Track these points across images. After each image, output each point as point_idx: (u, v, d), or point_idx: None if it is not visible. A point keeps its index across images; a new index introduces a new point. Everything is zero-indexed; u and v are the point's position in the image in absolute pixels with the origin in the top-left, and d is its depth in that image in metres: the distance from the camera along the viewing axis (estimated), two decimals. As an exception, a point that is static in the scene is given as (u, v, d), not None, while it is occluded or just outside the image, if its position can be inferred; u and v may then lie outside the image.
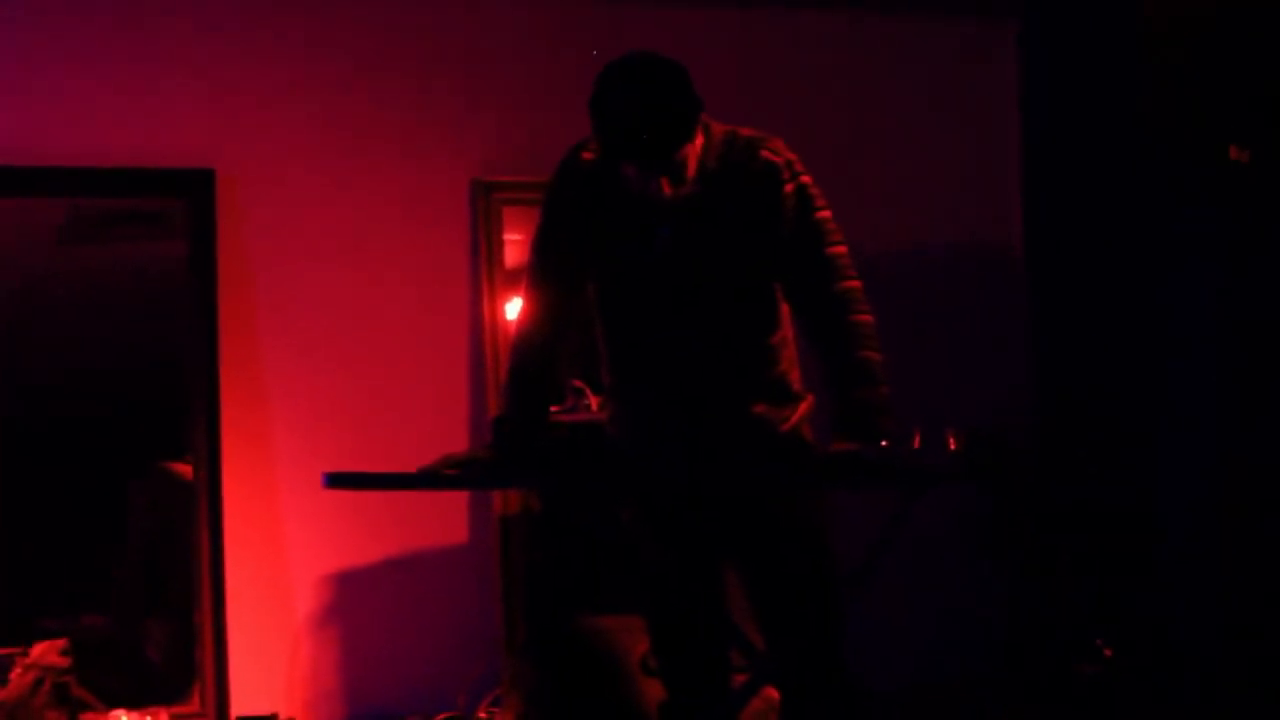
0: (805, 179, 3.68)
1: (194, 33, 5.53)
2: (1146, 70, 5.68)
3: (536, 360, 3.77)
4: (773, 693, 4.04)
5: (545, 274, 3.77)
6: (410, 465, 3.69)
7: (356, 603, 5.52)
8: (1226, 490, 5.35)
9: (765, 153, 3.66)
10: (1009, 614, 5.85)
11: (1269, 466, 5.26)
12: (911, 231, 5.98)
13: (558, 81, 5.48)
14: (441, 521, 5.58)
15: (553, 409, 3.99)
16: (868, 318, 3.65)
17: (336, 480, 3.60)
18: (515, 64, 5.77)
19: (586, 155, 3.70)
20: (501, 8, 5.78)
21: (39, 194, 5.45)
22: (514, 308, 5.51)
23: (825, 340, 3.66)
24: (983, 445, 3.60)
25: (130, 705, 5.15)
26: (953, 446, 3.58)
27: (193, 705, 5.38)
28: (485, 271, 5.64)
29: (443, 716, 5.36)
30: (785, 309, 3.76)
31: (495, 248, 5.66)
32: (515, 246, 5.66)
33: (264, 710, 5.26)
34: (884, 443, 3.56)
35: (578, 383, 5.43)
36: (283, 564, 5.47)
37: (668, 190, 3.57)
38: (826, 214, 3.68)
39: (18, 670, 5.00)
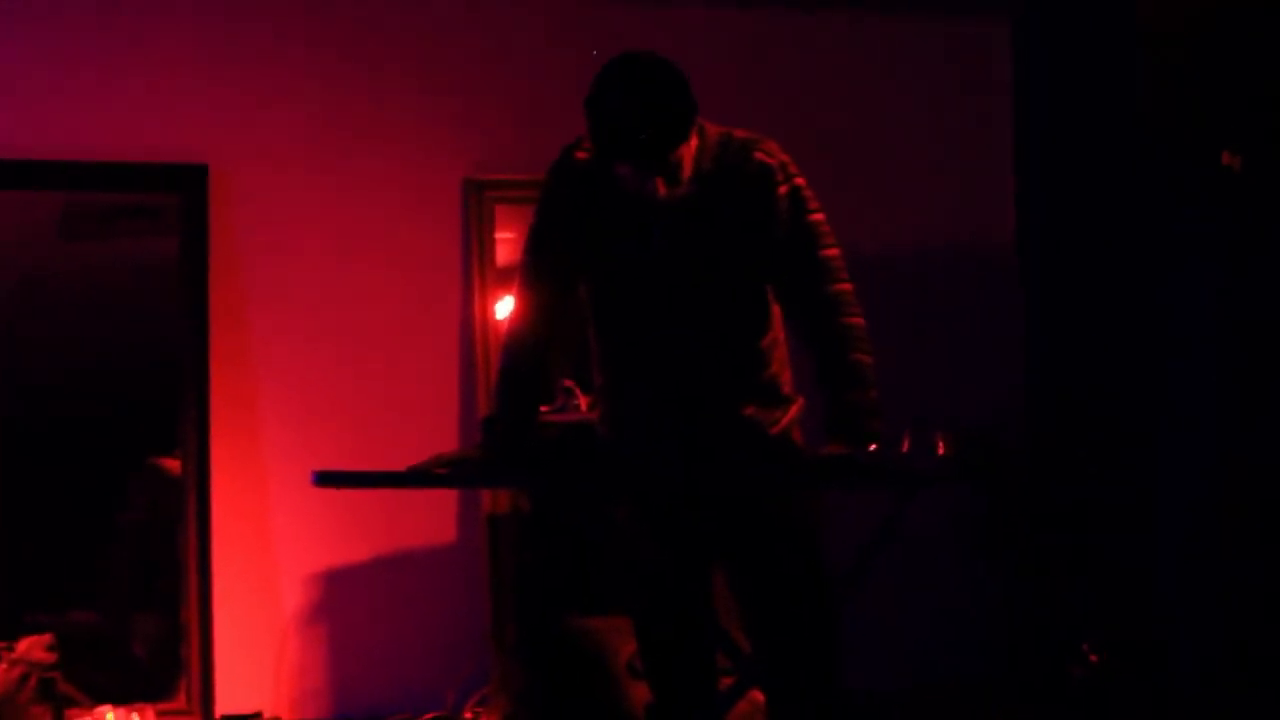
0: (799, 181, 3.71)
1: (189, 29, 5.56)
2: (1145, 69, 5.67)
3: (528, 360, 3.79)
4: (759, 695, 4.07)
5: (538, 273, 3.79)
6: (400, 463, 3.71)
7: (344, 601, 5.54)
8: (1226, 490, 5.36)
9: (759, 154, 3.68)
10: (1003, 615, 5.88)
11: (1269, 466, 5.26)
12: (906, 231, 6.02)
13: (551, 80, 5.57)
14: (430, 521, 5.60)
15: (543, 409, 3.98)
16: (859, 320, 3.68)
17: (326, 479, 3.62)
18: (508, 63, 5.79)
19: (580, 155, 3.72)
20: (495, 7, 5.82)
21: (32, 188, 5.48)
22: (505, 306, 5.53)
23: (817, 342, 3.69)
24: (973, 446, 3.63)
25: (117, 701, 5.17)
26: (941, 449, 3.62)
27: (179, 702, 5.41)
28: (477, 269, 5.66)
29: (430, 716, 5.38)
30: (777, 311, 3.78)
31: (487, 246, 5.68)
32: (507, 245, 5.67)
33: (250, 708, 5.29)
34: (873, 445, 3.59)
35: (568, 382, 5.45)
36: (271, 561, 5.49)
37: (663, 191, 3.60)
38: (820, 216, 3.71)
39: (3, 665, 5.00)
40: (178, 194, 5.51)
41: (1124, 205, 5.83)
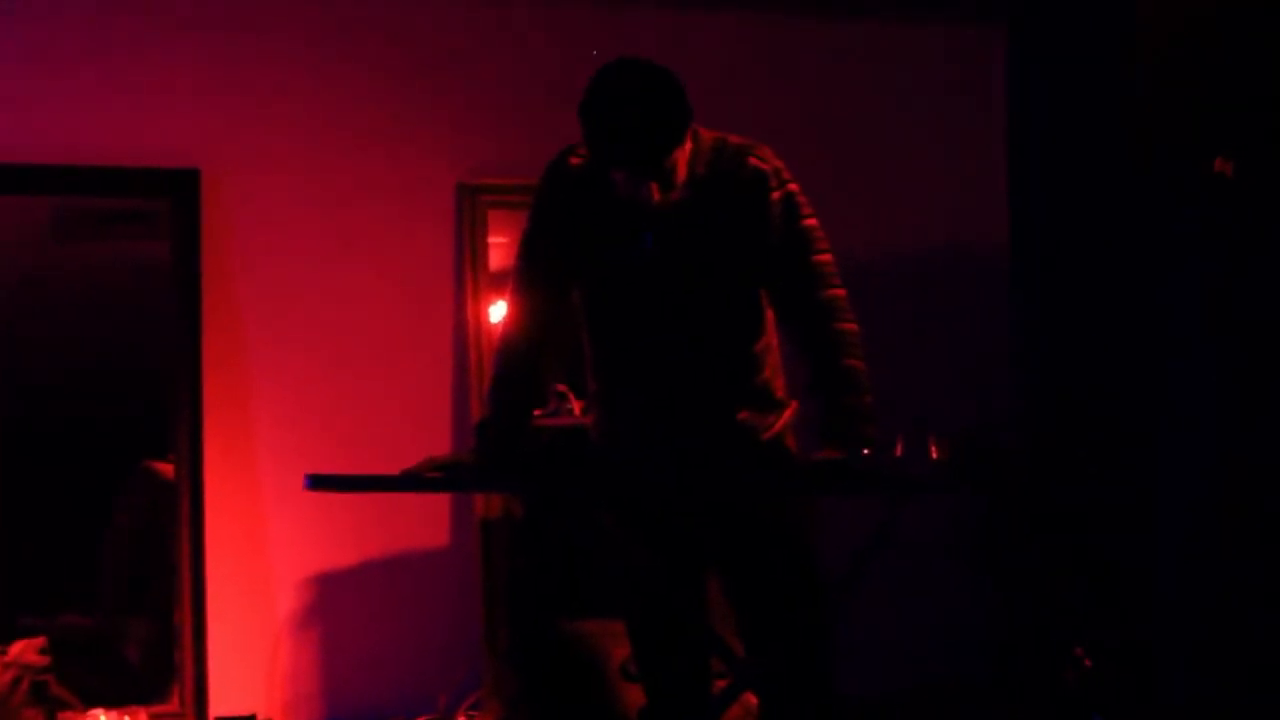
0: (792, 186, 3.74)
1: (181, 32, 5.58)
2: (1144, 70, 5.68)
3: (521, 364, 3.81)
4: (752, 699, 4.10)
5: (531, 278, 3.82)
6: (393, 467, 3.74)
7: (337, 604, 5.56)
8: (1226, 490, 5.32)
9: (753, 160, 3.72)
10: (999, 619, 5.89)
11: (1269, 466, 5.22)
12: (900, 235, 6.06)
13: (544, 85, 5.61)
14: (423, 524, 5.63)
15: (536, 413, 4.01)
16: (852, 326, 3.72)
17: (319, 482, 3.65)
18: (502, 67, 5.81)
19: (574, 160, 3.76)
20: (489, 11, 5.84)
21: (23, 192, 5.50)
22: (498, 311, 5.54)
23: (810, 348, 3.72)
24: (968, 451, 3.65)
25: (109, 704, 5.18)
26: (935, 454, 3.64)
27: (172, 705, 5.41)
28: (470, 274, 5.69)
29: (422, 719, 5.40)
30: (770, 315, 3.81)
31: (480, 250, 5.71)
32: (500, 249, 5.69)
33: (243, 711, 5.31)
34: (867, 450, 3.62)
35: (561, 387, 5.46)
36: (264, 564, 5.51)
37: (657, 196, 3.63)
38: (813, 222, 3.75)
39: None
40: (170, 198, 5.52)
41: (1124, 205, 5.80)
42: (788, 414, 3.82)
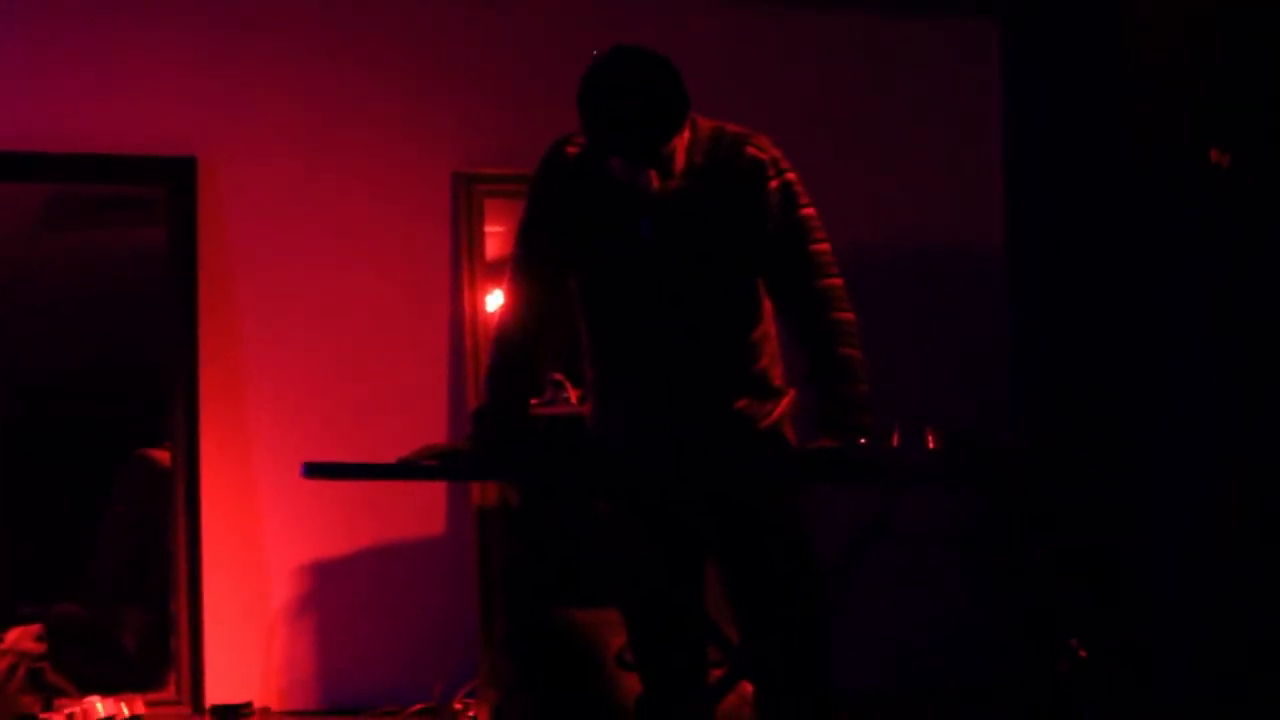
0: (790, 175, 3.72)
1: (178, 21, 5.60)
2: (1143, 68, 5.68)
3: (517, 353, 3.80)
4: (748, 687, 4.09)
5: (528, 267, 3.81)
6: (389, 456, 3.73)
7: (333, 593, 5.57)
8: (1226, 490, 5.34)
9: (751, 149, 3.70)
10: (998, 615, 5.88)
11: (1269, 466, 5.25)
12: (899, 230, 6.04)
13: (541, 74, 5.61)
14: (419, 513, 5.65)
15: (533, 402, 4.00)
16: (849, 315, 3.70)
17: (315, 470, 3.64)
18: (498, 56, 5.82)
19: (570, 149, 3.74)
20: (486, 1, 5.86)
21: (19, 179, 5.52)
22: (495, 300, 5.55)
23: (807, 337, 3.71)
24: (964, 445, 3.64)
25: (105, 692, 5.18)
26: (931, 444, 3.61)
27: (168, 692, 5.44)
28: (466, 263, 5.70)
29: (418, 707, 5.41)
30: (767, 305, 3.80)
31: (476, 240, 5.71)
32: (496, 239, 5.69)
33: (239, 698, 5.33)
34: (863, 440, 3.61)
35: (557, 376, 5.45)
36: (260, 553, 5.53)
37: (656, 184, 3.62)
38: (810, 211, 3.73)
39: None
40: (166, 186, 5.53)
41: (1123, 205, 5.80)
42: (785, 402, 3.81)
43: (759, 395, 3.77)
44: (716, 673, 3.89)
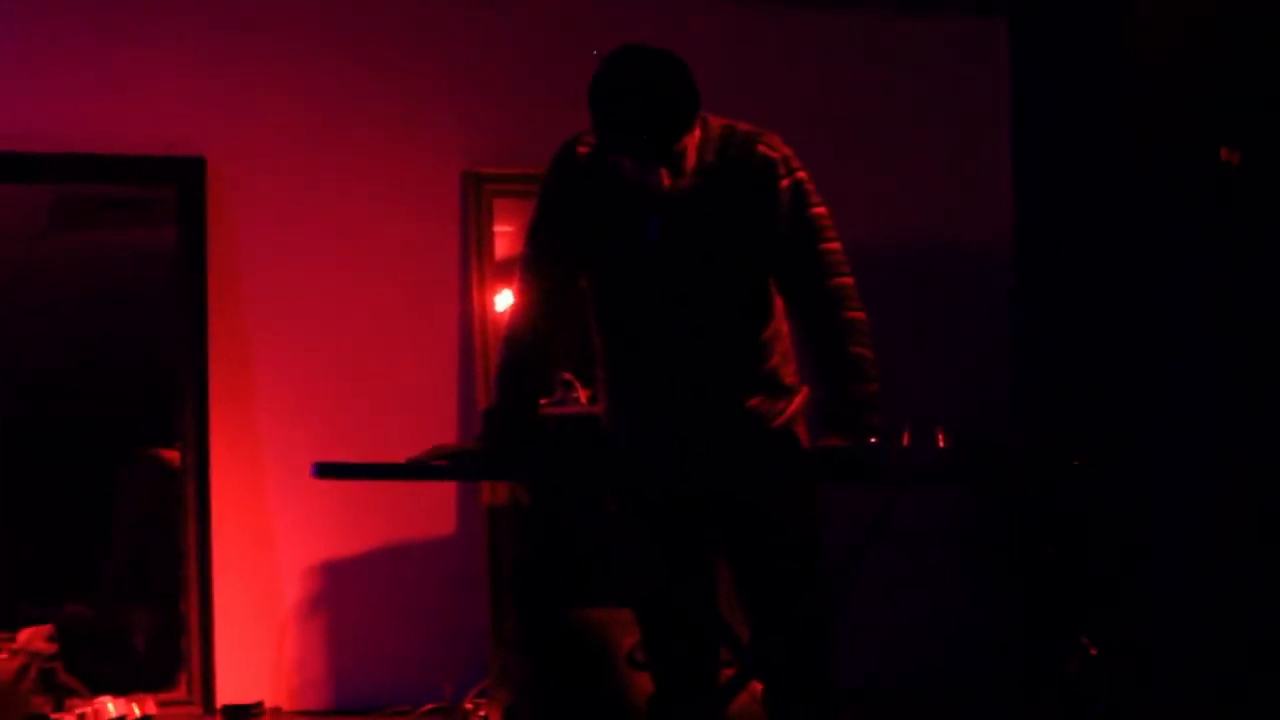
0: (801, 174, 3.68)
1: (187, 21, 5.57)
2: (1144, 68, 5.66)
3: (528, 353, 3.77)
4: (760, 686, 4.06)
5: (538, 267, 3.77)
6: (399, 456, 3.69)
7: (343, 592, 5.56)
8: (1226, 490, 5.34)
9: (762, 147, 3.66)
10: (998, 614, 5.86)
11: (1269, 466, 5.24)
12: (904, 229, 5.99)
13: (550, 73, 5.57)
14: (429, 513, 5.63)
15: (543, 401, 3.96)
16: (860, 314, 3.66)
17: (325, 470, 3.61)
18: (507, 55, 5.80)
19: (581, 149, 3.70)
20: (492, 1, 5.84)
21: (27, 180, 5.51)
22: (504, 299, 5.54)
23: (817, 336, 3.67)
24: (972, 444, 3.60)
25: (116, 692, 5.17)
26: (941, 444, 3.57)
27: (179, 692, 5.43)
28: (475, 263, 5.68)
29: (429, 707, 5.38)
30: (779, 303, 3.76)
31: (485, 239, 5.70)
32: (506, 238, 5.68)
33: (250, 699, 5.30)
34: (872, 439, 3.56)
35: (567, 375, 5.41)
36: (270, 553, 5.51)
37: (666, 182, 3.57)
38: (821, 210, 3.69)
39: (4, 656, 5.02)
40: (175, 186, 5.53)
41: (1124, 205, 5.79)
42: (798, 400, 3.77)
43: (771, 393, 3.73)
44: (728, 672, 3.85)
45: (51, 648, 5.10)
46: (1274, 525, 5.25)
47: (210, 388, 5.48)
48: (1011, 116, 6.17)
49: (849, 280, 3.68)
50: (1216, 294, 5.43)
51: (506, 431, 3.74)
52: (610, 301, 3.77)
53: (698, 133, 3.61)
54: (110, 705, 5.08)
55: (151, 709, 5.20)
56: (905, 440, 3.58)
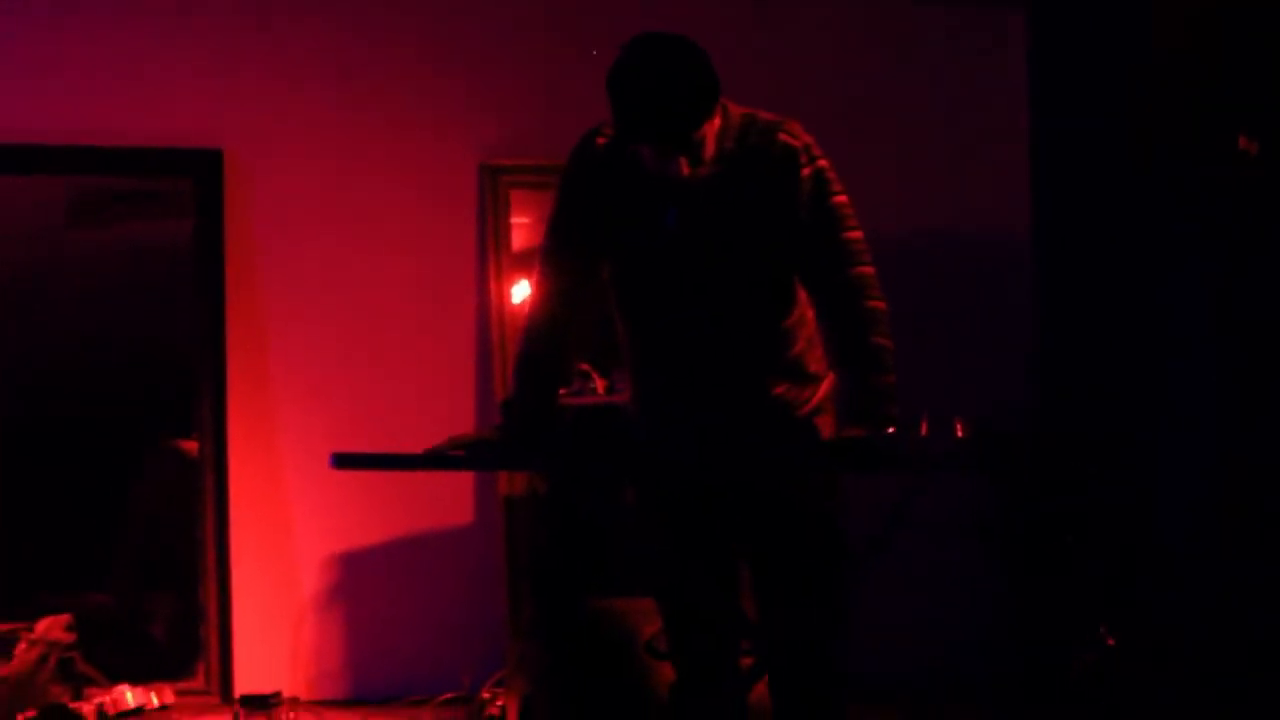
0: (822, 163, 3.62)
1: (204, 13, 5.56)
2: (1148, 69, 5.63)
3: (546, 343, 3.72)
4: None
5: (558, 258, 3.72)
6: (416, 446, 3.64)
7: (361, 582, 5.54)
8: (1226, 490, 5.31)
9: (783, 136, 3.60)
10: (1011, 604, 5.80)
11: (1269, 466, 5.20)
12: (920, 220, 5.91)
13: (568, 64, 5.53)
14: (447, 503, 5.60)
15: (561, 392, 3.88)
16: (881, 304, 3.60)
17: (344, 460, 3.56)
18: (524, 46, 5.77)
19: (601, 140, 3.65)
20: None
21: (45, 172, 5.50)
22: (521, 291, 5.53)
23: (838, 325, 3.61)
24: (990, 435, 3.54)
25: (134, 681, 5.16)
26: (960, 434, 3.52)
27: (197, 682, 5.43)
28: (493, 254, 5.65)
29: (446, 697, 5.36)
30: (803, 291, 3.69)
31: (503, 231, 5.67)
32: (523, 230, 5.66)
33: (268, 688, 5.20)
34: (890, 429, 3.51)
35: (584, 366, 5.40)
36: (288, 542, 5.49)
37: (686, 170, 3.53)
38: (843, 199, 3.63)
39: (23, 645, 5.01)
40: (192, 179, 5.52)
41: (1125, 203, 5.76)
42: (824, 386, 3.71)
43: (797, 381, 3.67)
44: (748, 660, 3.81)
45: (70, 637, 5.07)
46: (1274, 525, 5.21)
47: (228, 379, 5.47)
48: (1030, 108, 6.12)
49: (870, 269, 3.62)
50: (1216, 294, 5.39)
51: (524, 422, 3.70)
52: (631, 292, 3.72)
53: (718, 121, 3.56)
54: (129, 694, 5.07)
55: (170, 698, 5.19)
56: (923, 430, 3.52)
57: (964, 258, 6.03)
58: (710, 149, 3.54)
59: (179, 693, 5.28)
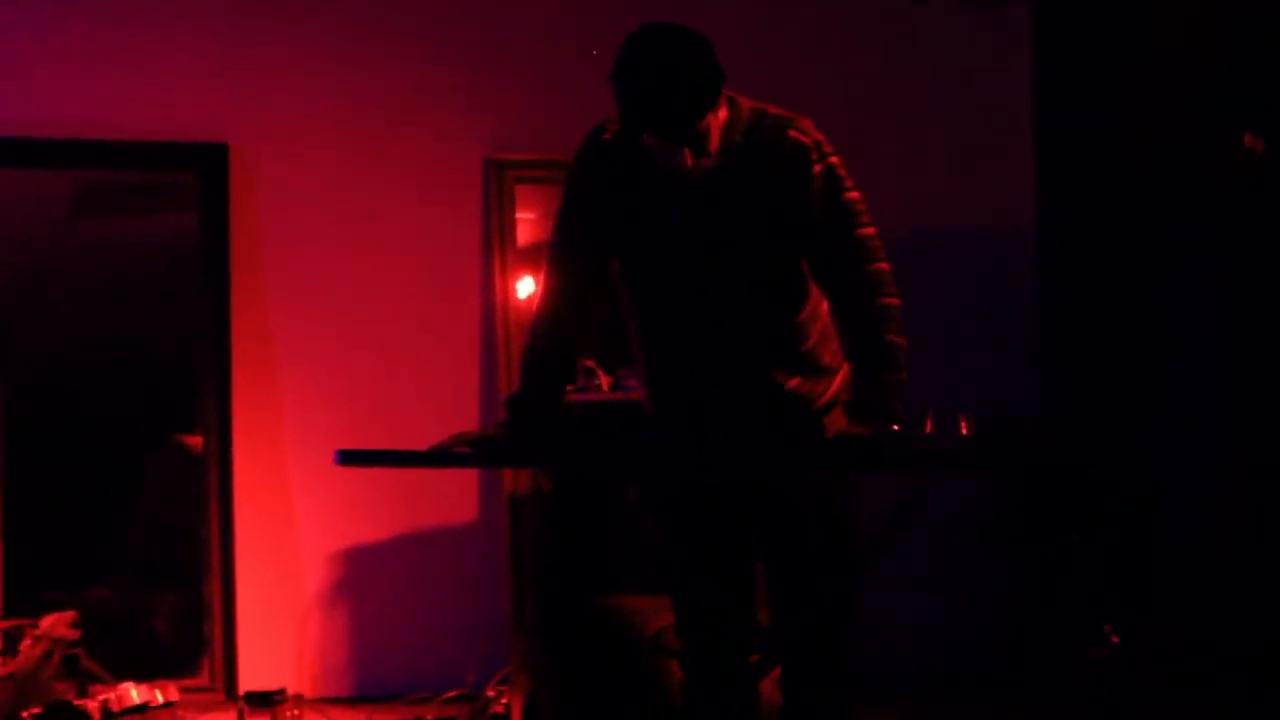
0: (834, 160, 3.57)
1: (210, 7, 5.55)
2: (1148, 68, 5.62)
3: (553, 339, 3.66)
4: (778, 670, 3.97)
5: (564, 254, 3.67)
6: (421, 443, 3.60)
7: (365, 580, 5.54)
8: (1226, 490, 5.31)
9: (794, 132, 3.54)
10: (1012, 601, 5.78)
11: (1269, 466, 5.19)
12: (922, 219, 5.86)
13: (572, 59, 5.54)
14: (452, 500, 5.59)
15: (568, 388, 3.82)
16: (895, 301, 3.55)
17: (349, 457, 3.50)
18: (528, 41, 5.76)
19: (607, 136, 3.60)
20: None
21: (50, 166, 5.49)
22: (526, 286, 5.52)
23: (851, 321, 3.57)
24: (995, 433, 3.51)
25: (139, 678, 5.11)
26: (965, 431, 3.49)
27: (201, 679, 5.44)
28: (497, 249, 5.64)
29: (451, 695, 5.34)
30: (815, 285, 3.65)
31: (508, 226, 5.66)
32: (528, 225, 5.66)
33: (272, 685, 5.17)
34: (896, 426, 3.46)
35: (589, 363, 5.37)
36: (292, 540, 5.48)
37: (690, 162, 3.48)
38: (855, 195, 3.58)
39: (28, 642, 4.99)
40: (197, 173, 5.51)
41: (1126, 203, 5.75)
42: (839, 380, 3.66)
43: (811, 375, 3.61)
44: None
45: (74, 634, 5.05)
46: (1274, 525, 5.20)
47: (233, 374, 5.46)
48: (1034, 105, 6.11)
49: (884, 266, 3.57)
50: (1216, 294, 5.39)
51: (529, 419, 3.64)
52: (638, 288, 3.67)
53: (724, 113, 3.52)
54: (133, 691, 4.99)
55: (174, 695, 5.12)
56: (928, 427, 3.49)
57: (965, 257, 6.00)
58: (715, 141, 3.50)
59: (183, 689, 5.22)
